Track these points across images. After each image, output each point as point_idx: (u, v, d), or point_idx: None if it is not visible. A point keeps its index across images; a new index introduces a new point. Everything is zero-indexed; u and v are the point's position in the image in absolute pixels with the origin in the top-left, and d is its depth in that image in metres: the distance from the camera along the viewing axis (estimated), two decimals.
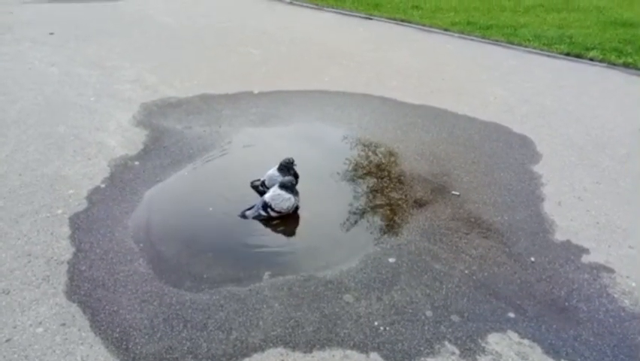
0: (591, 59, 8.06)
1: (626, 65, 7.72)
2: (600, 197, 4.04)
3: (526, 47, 8.70)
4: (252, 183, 3.93)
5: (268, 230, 3.49)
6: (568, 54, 8.31)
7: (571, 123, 5.47)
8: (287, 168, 3.72)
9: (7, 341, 2.49)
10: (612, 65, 7.82)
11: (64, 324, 2.60)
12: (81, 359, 2.40)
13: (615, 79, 7.21)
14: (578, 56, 8.20)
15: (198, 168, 4.21)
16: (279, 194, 3.46)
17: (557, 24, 10.27)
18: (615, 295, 2.98)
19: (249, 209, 3.58)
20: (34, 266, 2.99)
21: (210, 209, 3.66)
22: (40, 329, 2.56)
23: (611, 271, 3.19)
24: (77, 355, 2.43)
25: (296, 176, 3.69)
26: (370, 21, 10.46)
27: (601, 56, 8.07)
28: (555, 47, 8.61)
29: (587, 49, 8.43)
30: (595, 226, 3.67)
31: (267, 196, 3.51)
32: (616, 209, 3.89)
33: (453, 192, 4.00)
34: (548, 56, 8.30)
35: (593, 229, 3.62)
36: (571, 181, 4.26)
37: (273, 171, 3.77)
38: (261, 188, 3.81)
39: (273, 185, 3.63)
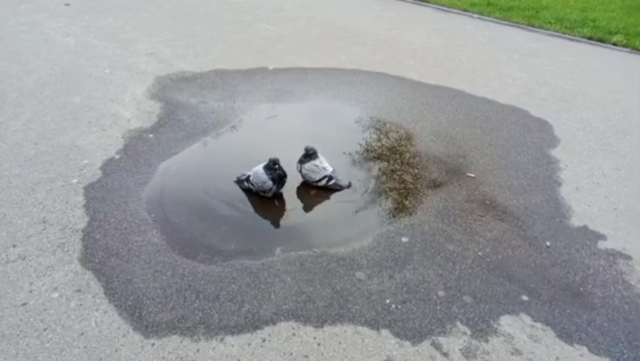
0: (614, 44, 7.82)
1: None
2: (619, 183, 3.96)
3: (547, 29, 8.47)
4: (237, 177, 3.71)
5: (282, 206, 3.48)
6: (590, 38, 8.07)
7: (591, 108, 5.34)
8: (271, 166, 3.47)
9: (23, 304, 2.53)
10: (636, 50, 7.59)
11: (79, 290, 2.63)
12: (95, 325, 2.44)
13: (639, 64, 7.01)
14: (601, 40, 7.97)
15: (212, 142, 4.20)
16: (261, 174, 3.42)
17: (580, 7, 9.97)
18: (632, 282, 2.94)
19: (244, 176, 3.60)
20: (49, 233, 3.02)
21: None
22: (55, 295, 2.60)
23: (628, 258, 3.14)
24: (91, 320, 2.46)
25: (282, 176, 3.49)
26: (388, 0, 10.25)
27: (625, 41, 7.83)
28: (577, 30, 8.37)
29: (611, 33, 8.19)
30: (613, 212, 3.60)
31: (253, 169, 3.50)
32: (635, 196, 3.81)
33: (468, 174, 3.94)
34: (570, 39, 8.08)
35: (611, 215, 3.56)
36: (590, 166, 4.18)
37: (259, 168, 3.54)
38: (245, 184, 3.59)
39: (257, 182, 3.49)
